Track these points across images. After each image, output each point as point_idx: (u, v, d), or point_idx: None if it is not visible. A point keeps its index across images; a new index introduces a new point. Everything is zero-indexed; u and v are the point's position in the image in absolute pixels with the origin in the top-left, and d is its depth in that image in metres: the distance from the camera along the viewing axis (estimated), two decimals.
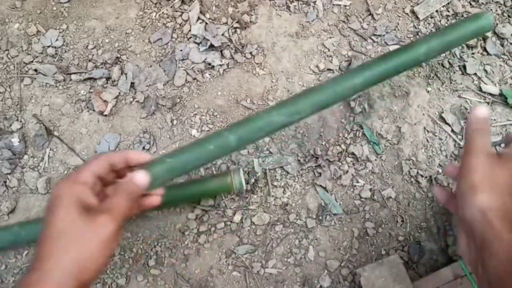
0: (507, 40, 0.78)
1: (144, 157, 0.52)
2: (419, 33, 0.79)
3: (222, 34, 0.79)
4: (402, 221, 0.72)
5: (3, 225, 0.70)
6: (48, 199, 0.55)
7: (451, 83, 0.77)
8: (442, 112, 0.75)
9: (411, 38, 0.79)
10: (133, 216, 0.51)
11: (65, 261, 0.40)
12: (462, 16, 0.80)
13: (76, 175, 0.46)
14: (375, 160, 0.74)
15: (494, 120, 0.75)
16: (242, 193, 0.72)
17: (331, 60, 0.78)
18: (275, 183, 0.73)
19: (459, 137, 0.74)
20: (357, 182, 0.73)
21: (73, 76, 0.77)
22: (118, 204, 0.45)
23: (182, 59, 0.78)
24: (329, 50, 0.79)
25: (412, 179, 0.73)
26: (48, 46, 0.79)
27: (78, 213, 0.43)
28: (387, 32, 0.79)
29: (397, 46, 0.78)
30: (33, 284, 0.39)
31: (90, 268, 0.42)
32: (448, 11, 0.80)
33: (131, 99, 0.76)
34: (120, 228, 0.44)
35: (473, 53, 0.78)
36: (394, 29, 0.80)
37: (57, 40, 0.79)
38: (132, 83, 0.77)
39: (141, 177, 0.48)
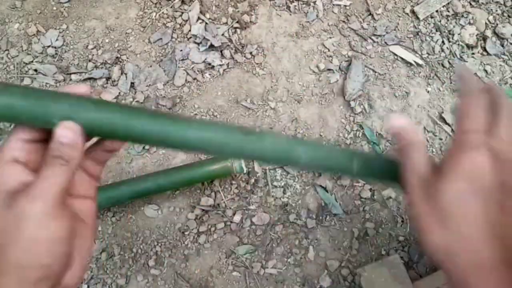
0: (507, 40, 0.78)
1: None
2: (419, 33, 0.79)
3: (222, 34, 0.79)
4: (402, 221, 0.72)
5: None
6: None
7: (451, 83, 0.77)
8: (442, 112, 0.75)
9: (411, 38, 0.79)
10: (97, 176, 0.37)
11: (8, 267, 0.30)
12: (462, 16, 0.80)
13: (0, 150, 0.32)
14: None
15: None
16: (241, 175, 0.72)
17: (331, 60, 0.78)
18: (275, 183, 0.73)
19: None
20: (357, 182, 0.73)
21: (73, 76, 0.77)
22: (46, 178, 0.31)
23: (182, 59, 0.78)
24: (329, 50, 0.79)
25: None
26: (48, 46, 0.79)
27: (3, 198, 0.31)
28: (387, 32, 0.79)
29: (397, 46, 0.78)
30: None
31: (41, 269, 0.30)
32: (448, 11, 0.80)
33: (131, 99, 0.76)
34: (58, 207, 0.30)
35: (473, 53, 0.78)
36: (394, 29, 0.80)
37: (57, 40, 0.79)
38: (132, 83, 0.77)
39: (66, 131, 0.31)
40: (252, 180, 0.73)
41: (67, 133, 0.31)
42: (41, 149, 0.33)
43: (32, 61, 0.78)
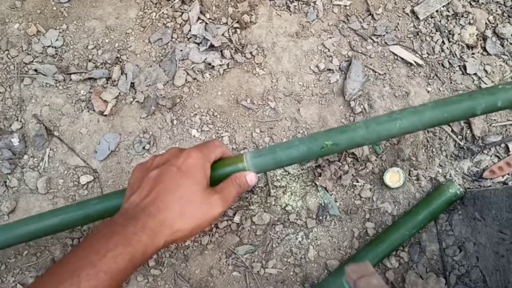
0: (507, 40, 0.78)
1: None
2: (419, 33, 0.79)
3: (222, 34, 0.79)
4: None
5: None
6: (174, 154, 0.54)
7: (451, 83, 0.77)
8: None
9: (411, 38, 0.79)
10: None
11: (178, 223, 0.47)
12: (462, 16, 0.80)
13: (208, 154, 0.54)
14: (375, 160, 0.74)
15: (495, 120, 0.75)
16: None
17: (331, 60, 0.78)
18: (275, 183, 0.73)
19: (459, 137, 0.74)
20: (357, 182, 0.73)
21: (73, 76, 0.77)
22: (230, 193, 0.53)
23: (182, 59, 0.78)
24: (329, 50, 0.79)
25: (413, 179, 0.73)
26: (48, 46, 0.79)
27: (204, 188, 0.50)
28: (387, 32, 0.79)
29: (397, 46, 0.78)
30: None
31: (183, 237, 0.48)
32: (448, 11, 0.80)
33: (131, 99, 0.76)
34: (222, 214, 0.52)
35: (473, 53, 0.78)
36: (394, 29, 0.80)
37: (57, 40, 0.79)
38: (132, 83, 0.77)
39: (253, 177, 0.56)
40: None
41: (253, 178, 0.57)
42: None
43: (32, 61, 0.78)
